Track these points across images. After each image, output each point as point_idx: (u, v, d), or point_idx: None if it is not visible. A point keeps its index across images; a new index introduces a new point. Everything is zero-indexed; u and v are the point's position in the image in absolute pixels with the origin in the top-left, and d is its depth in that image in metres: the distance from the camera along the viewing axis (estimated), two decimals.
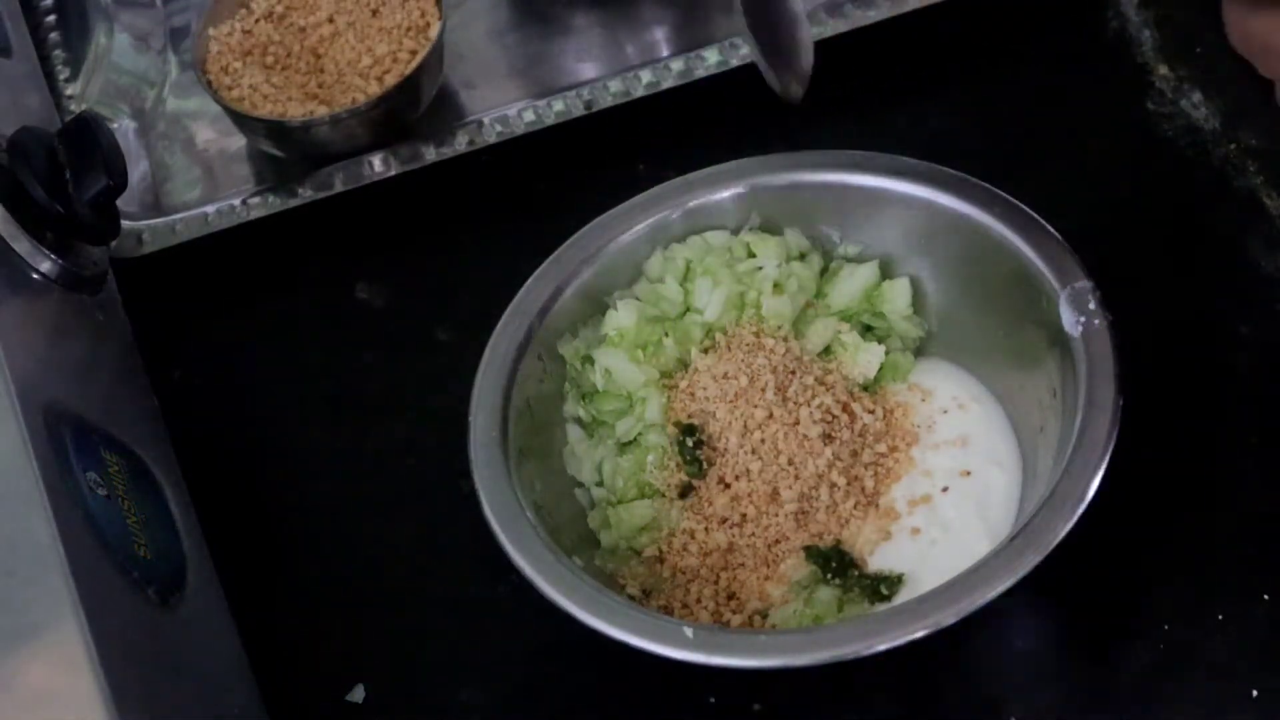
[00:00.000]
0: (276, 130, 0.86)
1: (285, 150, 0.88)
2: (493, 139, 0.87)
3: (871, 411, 0.72)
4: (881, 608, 0.67)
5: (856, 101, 0.88)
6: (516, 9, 0.95)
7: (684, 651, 0.62)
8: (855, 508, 0.70)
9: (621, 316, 0.74)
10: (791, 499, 0.70)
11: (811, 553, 0.69)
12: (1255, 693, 0.66)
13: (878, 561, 0.69)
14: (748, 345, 0.73)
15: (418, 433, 0.80)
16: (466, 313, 0.82)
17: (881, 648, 0.61)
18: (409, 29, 0.89)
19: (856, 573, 0.69)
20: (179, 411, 0.80)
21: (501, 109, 0.88)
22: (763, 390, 0.71)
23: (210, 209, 0.87)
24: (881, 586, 0.68)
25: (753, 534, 0.70)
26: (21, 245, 0.71)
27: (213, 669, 0.68)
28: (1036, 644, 0.69)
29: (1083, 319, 0.67)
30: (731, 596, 0.69)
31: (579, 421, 0.74)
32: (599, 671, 0.71)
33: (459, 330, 0.83)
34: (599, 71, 0.90)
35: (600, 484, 0.73)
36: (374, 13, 0.90)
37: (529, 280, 0.74)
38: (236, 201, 0.87)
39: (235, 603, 0.73)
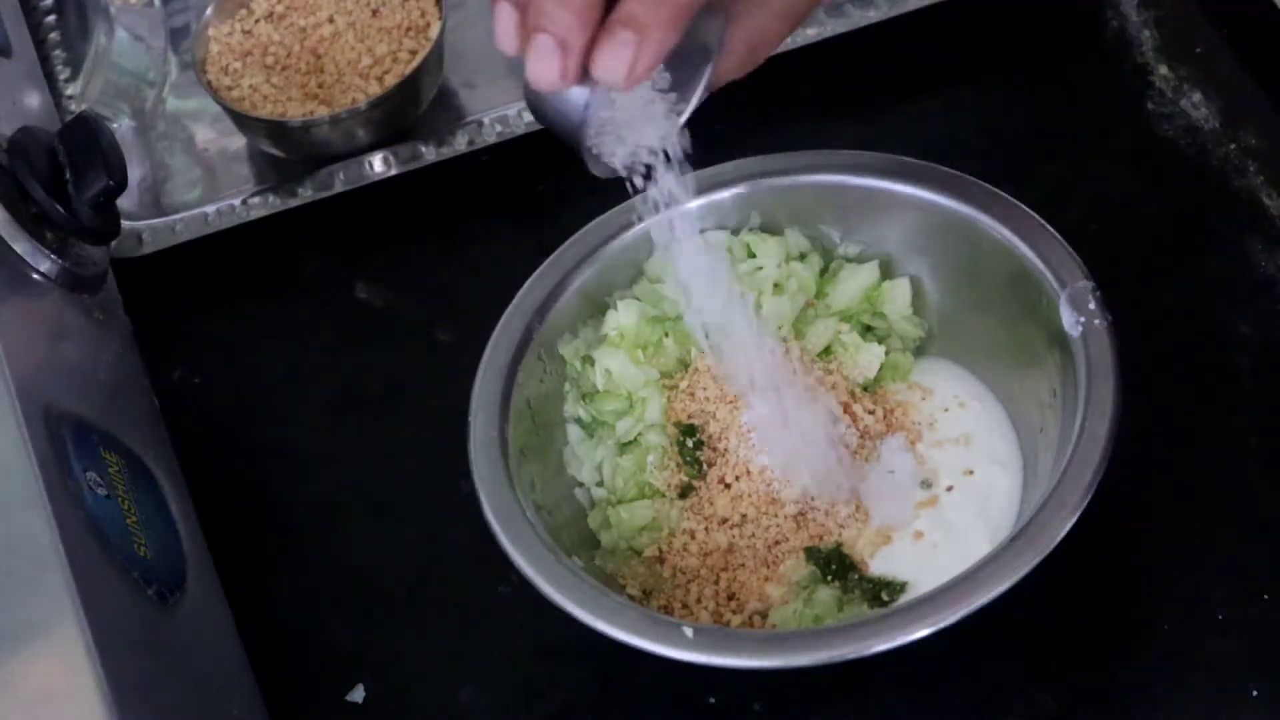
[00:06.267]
0: (276, 130, 0.87)
1: (285, 150, 0.88)
2: (493, 139, 0.87)
3: (872, 412, 0.72)
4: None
5: (856, 101, 0.88)
6: None
7: (684, 651, 0.62)
8: (856, 510, 0.70)
9: (621, 316, 0.74)
10: (792, 499, 0.70)
11: (812, 554, 0.69)
12: (1255, 693, 0.66)
13: (880, 564, 0.69)
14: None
15: (418, 433, 0.80)
16: (466, 313, 0.82)
17: (881, 648, 0.61)
18: (409, 29, 0.89)
19: (857, 576, 0.69)
20: (179, 411, 0.80)
21: (501, 109, 0.88)
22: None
23: (210, 209, 0.87)
24: (883, 593, 0.68)
25: (753, 534, 0.70)
26: (21, 245, 0.71)
27: (213, 669, 0.68)
28: (1036, 644, 0.69)
29: (1083, 319, 0.67)
30: (731, 596, 0.69)
31: (579, 421, 0.74)
32: (599, 671, 0.71)
33: (459, 330, 0.83)
34: None
35: (600, 484, 0.73)
36: (374, 13, 0.90)
37: (529, 280, 0.74)
38: (236, 201, 0.87)
39: (235, 603, 0.73)
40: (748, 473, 0.70)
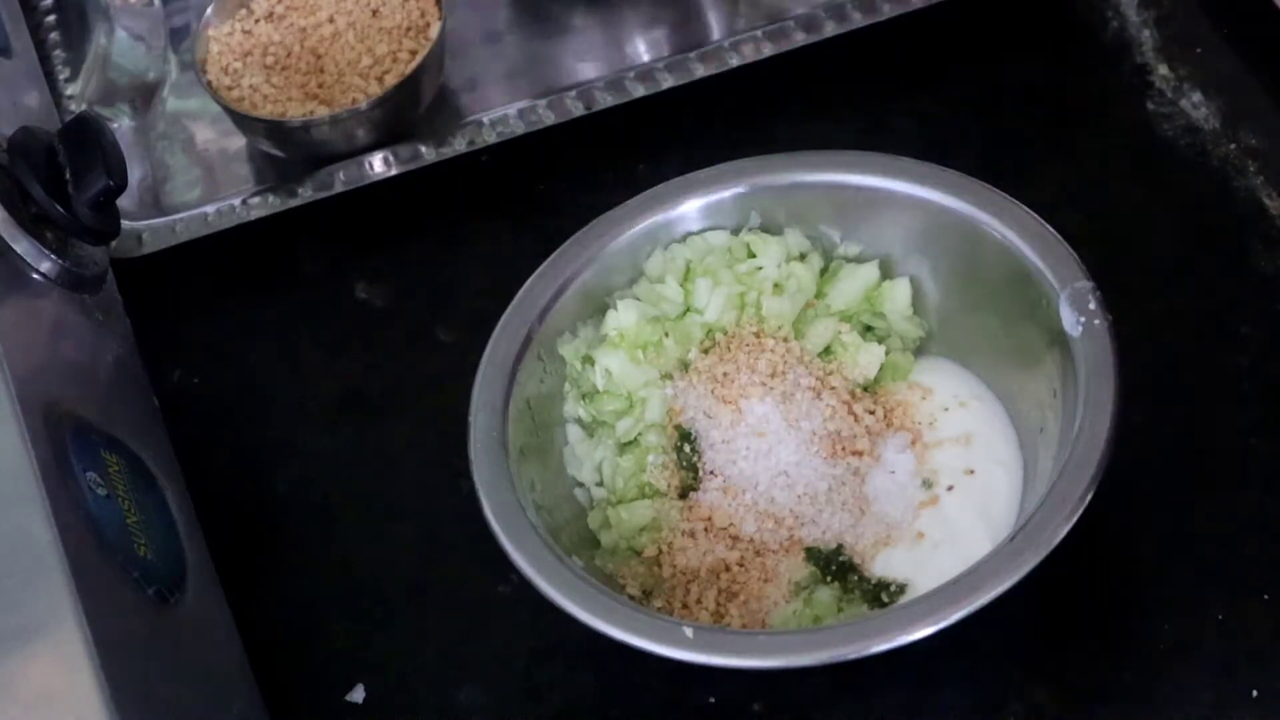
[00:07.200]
0: (276, 130, 0.86)
1: (285, 150, 0.88)
2: (493, 139, 0.87)
3: (872, 412, 0.72)
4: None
5: (856, 101, 0.88)
6: (516, 9, 0.95)
7: (684, 651, 0.62)
8: (856, 510, 0.70)
9: (621, 316, 0.74)
10: (792, 500, 0.70)
11: (812, 554, 0.69)
12: (1255, 693, 0.66)
13: (880, 564, 0.69)
14: (748, 345, 0.73)
15: (418, 433, 0.80)
16: (466, 313, 0.82)
17: (881, 648, 0.61)
18: (409, 29, 0.89)
19: (857, 576, 0.69)
20: (179, 411, 0.80)
21: (501, 109, 0.88)
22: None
23: (210, 209, 0.87)
24: (883, 594, 0.68)
25: (753, 535, 0.70)
26: (21, 245, 0.71)
27: (213, 669, 0.68)
28: (1036, 644, 0.69)
29: (1083, 319, 0.67)
30: (731, 597, 0.69)
31: (579, 421, 0.74)
32: (599, 671, 0.71)
33: (459, 330, 0.83)
34: (599, 71, 0.90)
35: (600, 484, 0.73)
36: (374, 13, 0.90)
37: (529, 280, 0.74)
38: (236, 201, 0.87)
39: (235, 603, 0.73)
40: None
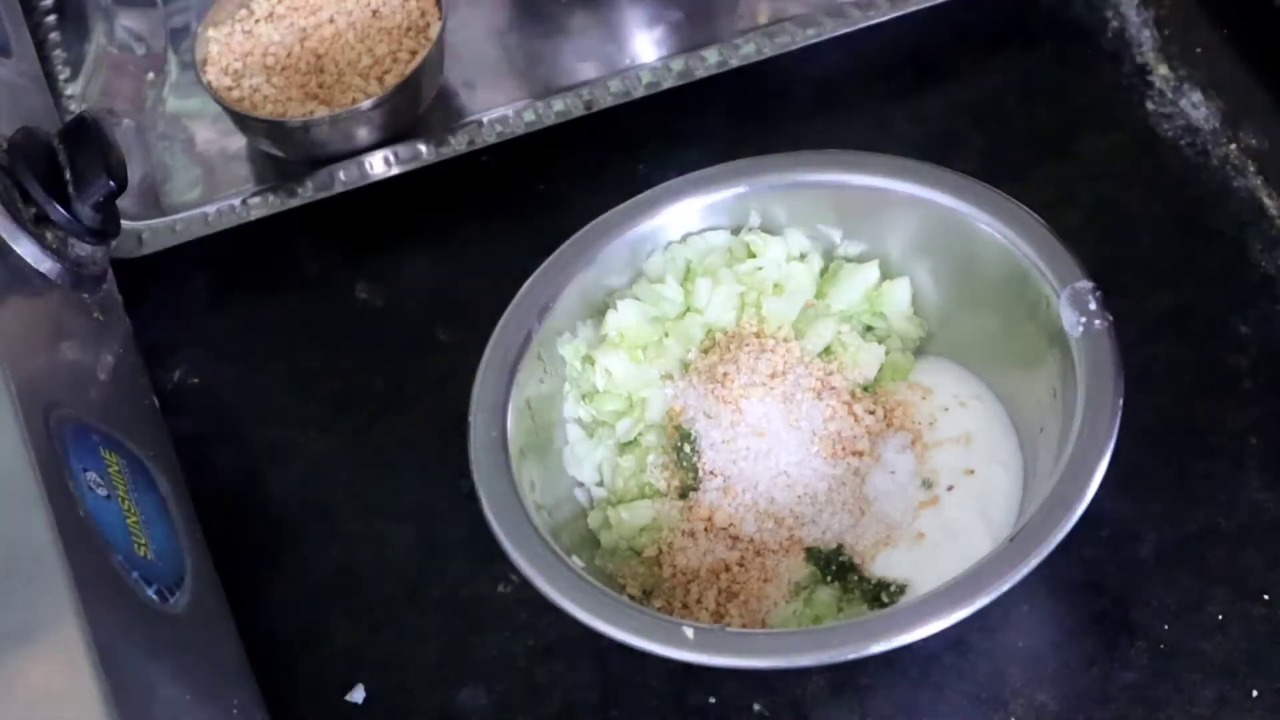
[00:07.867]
0: (276, 130, 0.86)
1: (285, 150, 0.88)
2: (493, 139, 0.87)
3: (872, 412, 0.72)
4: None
5: (856, 101, 0.88)
6: (516, 9, 0.95)
7: (684, 651, 0.62)
8: (856, 510, 0.70)
9: (621, 316, 0.74)
10: (792, 500, 0.70)
11: (812, 554, 0.69)
12: (1255, 693, 0.66)
13: (880, 564, 0.69)
14: (748, 345, 0.73)
15: (418, 433, 0.80)
16: (466, 313, 0.82)
17: (881, 648, 0.61)
18: (409, 29, 0.89)
19: (857, 576, 0.69)
20: (179, 411, 0.80)
21: (501, 109, 0.88)
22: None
23: (210, 209, 0.87)
24: (883, 594, 0.68)
25: (753, 535, 0.70)
26: (21, 245, 0.71)
27: (213, 669, 0.68)
28: (1036, 644, 0.69)
29: (1083, 319, 0.67)
30: (731, 597, 0.69)
31: (579, 421, 0.74)
32: (599, 671, 0.71)
33: (459, 330, 0.83)
34: (599, 71, 0.90)
35: (600, 484, 0.73)
36: (374, 13, 0.90)
37: (529, 280, 0.74)
38: (236, 201, 0.87)
39: (235, 603, 0.73)
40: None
